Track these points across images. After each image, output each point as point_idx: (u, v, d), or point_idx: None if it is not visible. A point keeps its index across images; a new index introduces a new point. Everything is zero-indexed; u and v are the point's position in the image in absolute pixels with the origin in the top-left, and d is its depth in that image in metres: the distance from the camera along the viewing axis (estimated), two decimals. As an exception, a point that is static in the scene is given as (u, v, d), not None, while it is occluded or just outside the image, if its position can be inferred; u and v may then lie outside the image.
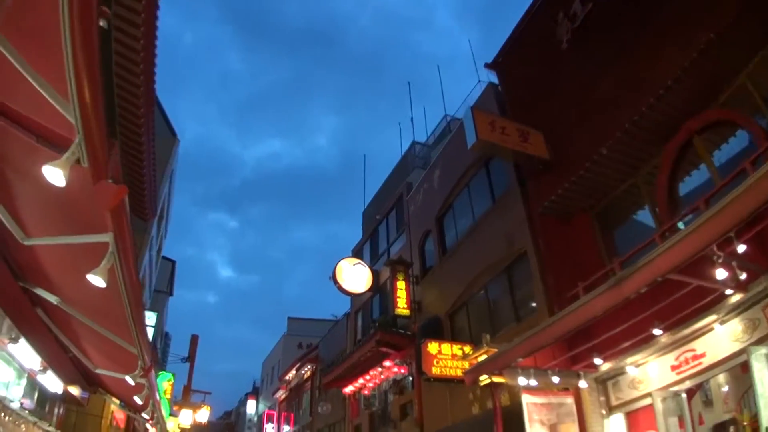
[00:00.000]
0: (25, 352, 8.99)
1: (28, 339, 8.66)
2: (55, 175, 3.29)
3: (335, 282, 23.17)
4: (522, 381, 10.11)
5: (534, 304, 13.48)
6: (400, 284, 19.74)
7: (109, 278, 4.29)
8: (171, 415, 32.61)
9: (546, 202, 12.73)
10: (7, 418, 8.80)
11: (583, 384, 10.78)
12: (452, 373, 14.16)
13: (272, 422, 40.90)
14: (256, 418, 49.85)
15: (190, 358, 25.12)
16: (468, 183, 18.39)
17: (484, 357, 10.96)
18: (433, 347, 14.36)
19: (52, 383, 10.85)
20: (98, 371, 10.11)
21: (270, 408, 43.50)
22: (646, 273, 6.88)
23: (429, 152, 27.05)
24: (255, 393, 52.88)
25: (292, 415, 38.57)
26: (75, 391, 12.28)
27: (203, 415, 21.82)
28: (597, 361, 10.13)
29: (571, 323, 8.34)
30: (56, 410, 12.80)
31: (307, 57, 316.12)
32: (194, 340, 24.94)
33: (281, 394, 40.92)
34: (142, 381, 8.82)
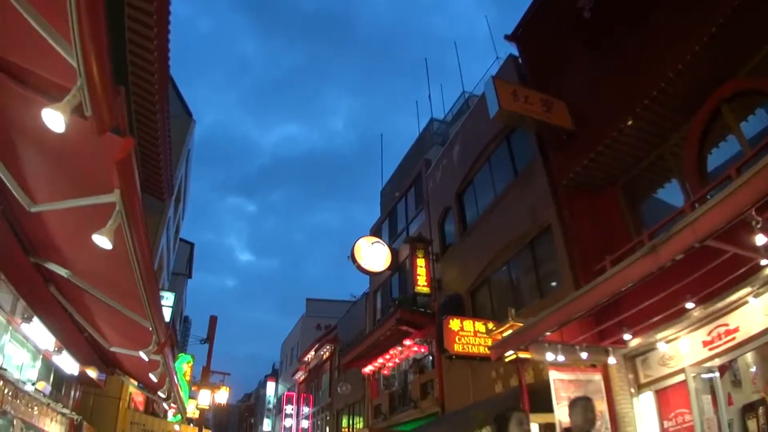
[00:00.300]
0: (38, 332, 8.83)
1: (41, 318, 8.49)
2: (54, 119, 3.03)
3: (354, 261, 22.94)
4: (549, 356, 9.77)
5: (558, 280, 13.11)
6: (420, 262, 19.43)
7: (116, 240, 4.00)
8: (190, 397, 32.79)
9: (570, 174, 12.38)
10: (19, 401, 8.66)
11: (612, 360, 10.42)
12: (474, 350, 13.87)
13: (291, 404, 41.00)
14: (275, 400, 50.07)
15: (209, 339, 25.04)
16: (489, 157, 17.97)
17: (509, 332, 10.62)
18: (455, 324, 14.07)
19: (68, 364, 10.72)
20: (113, 349, 9.93)
21: (289, 389, 43.62)
22: (685, 237, 6.48)
23: (447, 129, 26.59)
24: (274, 375, 53.12)
25: (311, 396, 38.63)
26: (92, 372, 12.15)
27: (222, 395, 21.68)
28: (626, 336, 9.75)
29: (603, 293, 7.96)
30: (73, 393, 12.71)
31: (322, 41, 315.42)
32: (213, 321, 24.83)
33: (300, 376, 40.99)
34: (157, 358, 8.61)
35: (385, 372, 22.82)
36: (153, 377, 10.40)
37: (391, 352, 20.66)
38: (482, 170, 18.36)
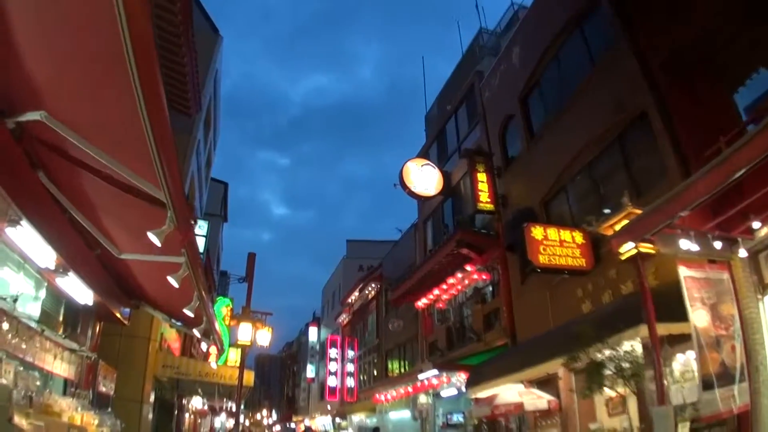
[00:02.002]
0: (30, 240, 6.79)
1: (32, 221, 6.45)
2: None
3: (403, 186, 20.82)
4: (684, 244, 7.55)
5: (660, 173, 10.83)
6: (481, 176, 17.15)
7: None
8: (231, 345, 31.40)
9: (664, 51, 10.22)
10: (19, 339, 6.77)
11: (742, 253, 8.19)
12: (562, 261, 11.68)
13: (336, 347, 39.67)
14: (318, 346, 48.96)
15: (248, 277, 23.21)
16: (558, 52, 15.51)
17: (624, 223, 8.39)
18: (537, 232, 11.88)
19: (79, 292, 8.75)
20: (125, 257, 7.96)
21: (333, 333, 42.20)
22: None
23: (498, 41, 24.00)
24: (316, 321, 51.83)
25: (356, 339, 37.16)
26: (111, 304, 10.27)
27: (264, 336, 19.44)
28: (755, 224, 7.60)
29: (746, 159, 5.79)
30: (89, 330, 10.83)
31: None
32: (251, 258, 22.99)
33: (344, 319, 39.45)
34: (180, 260, 6.57)
35: (440, 305, 20.82)
36: (189, 312, 8.45)
37: (449, 281, 18.54)
38: (550, 68, 15.95)
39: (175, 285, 6.77)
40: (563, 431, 11.89)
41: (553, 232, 11.97)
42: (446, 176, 21.70)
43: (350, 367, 37.19)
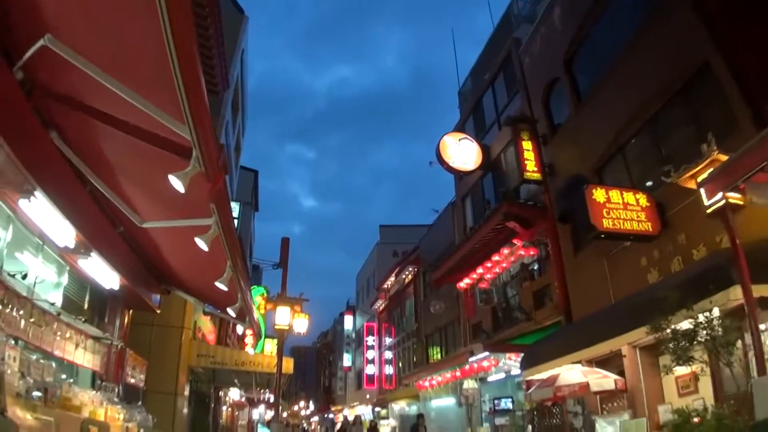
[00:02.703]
0: (47, 215, 6.03)
1: (47, 191, 5.69)
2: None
3: (441, 161, 19.94)
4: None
5: (729, 125, 9.79)
6: (526, 144, 16.10)
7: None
8: (267, 336, 30.80)
9: None
10: (33, 324, 6.06)
11: None
12: (626, 226, 10.65)
13: (372, 334, 38.99)
14: (354, 334, 48.33)
15: (282, 263, 22.40)
16: (604, 7, 14.37)
17: (709, 171, 7.35)
18: (599, 194, 10.84)
19: (104, 275, 8.03)
20: (147, 225, 7.21)
21: (369, 321, 41.44)
22: None
23: (533, 8, 22.84)
24: (351, 309, 51.16)
25: (393, 327, 36.39)
26: (140, 289, 9.54)
27: (302, 324, 18.52)
28: None
29: None
30: (117, 319, 10.11)
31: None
32: (285, 243, 22.20)
33: (380, 305, 38.63)
34: (208, 221, 5.78)
35: (483, 285, 19.86)
36: (222, 286, 7.69)
37: (493, 258, 17.54)
38: (597, 26, 14.82)
39: (204, 248, 5.99)
40: (632, 412, 10.89)
41: (615, 195, 10.93)
42: (485, 150, 20.72)
43: (388, 355, 36.47)
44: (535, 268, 17.38)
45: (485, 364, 14.55)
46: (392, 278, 34.33)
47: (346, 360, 48.51)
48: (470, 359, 14.60)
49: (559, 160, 15.74)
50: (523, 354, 13.67)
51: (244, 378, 19.55)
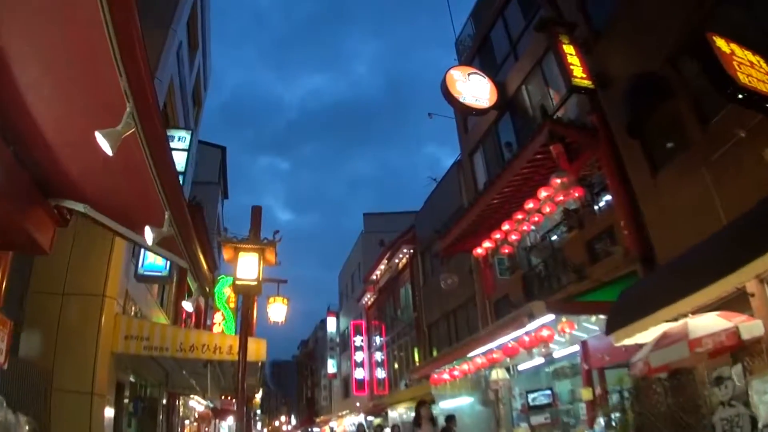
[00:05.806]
0: None
1: None
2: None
3: (448, 97, 16.22)
4: None
5: None
6: (568, 48, 12.32)
7: None
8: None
9: None
10: None
11: None
12: (764, 88, 6.78)
13: (361, 334, 35.01)
14: (338, 338, 44.19)
15: (254, 231, 17.92)
16: None
17: None
18: (722, 44, 6.98)
19: None
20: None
21: (356, 319, 37.24)
22: None
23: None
24: (334, 312, 46.95)
25: (383, 325, 32.40)
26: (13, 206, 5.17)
27: (279, 310, 13.61)
28: None
29: None
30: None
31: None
32: (256, 210, 17.89)
33: (368, 299, 34.43)
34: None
35: (507, 250, 15.91)
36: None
37: (526, 206, 13.47)
38: None
39: (109, 152, 2.33)
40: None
41: (738, 50, 7.08)
42: (501, 87, 16.98)
43: (379, 356, 32.44)
44: (592, 209, 13.36)
45: (545, 333, 10.44)
46: (382, 266, 30.22)
47: (331, 366, 44.26)
48: (528, 326, 10.42)
49: (611, 66, 11.93)
50: (608, 312, 9.49)
51: (202, 380, 14.82)
